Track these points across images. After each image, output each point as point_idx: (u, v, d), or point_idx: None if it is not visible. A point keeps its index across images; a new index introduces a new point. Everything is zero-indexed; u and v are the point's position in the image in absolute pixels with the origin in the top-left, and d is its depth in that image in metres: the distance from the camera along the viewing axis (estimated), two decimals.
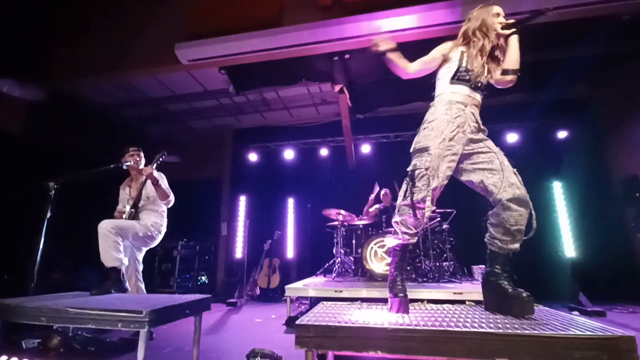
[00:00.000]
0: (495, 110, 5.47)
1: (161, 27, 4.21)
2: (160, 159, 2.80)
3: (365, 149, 6.14)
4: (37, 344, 2.29)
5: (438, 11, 3.26)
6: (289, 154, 6.46)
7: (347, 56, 4.02)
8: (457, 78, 1.71)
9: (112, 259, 2.34)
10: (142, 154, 2.93)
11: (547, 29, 3.59)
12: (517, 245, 1.56)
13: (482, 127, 1.70)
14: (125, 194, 2.88)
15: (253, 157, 6.61)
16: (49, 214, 2.45)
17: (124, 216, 2.70)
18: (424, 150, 1.62)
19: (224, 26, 3.79)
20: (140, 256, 2.77)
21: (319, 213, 4.69)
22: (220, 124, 6.75)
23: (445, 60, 1.79)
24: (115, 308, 1.51)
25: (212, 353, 2.36)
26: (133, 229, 2.56)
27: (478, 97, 1.73)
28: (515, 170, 1.60)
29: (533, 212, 1.57)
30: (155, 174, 2.66)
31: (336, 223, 4.38)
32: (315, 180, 6.41)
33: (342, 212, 4.36)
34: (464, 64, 1.71)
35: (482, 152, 1.63)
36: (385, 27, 3.43)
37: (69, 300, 1.82)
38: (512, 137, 5.56)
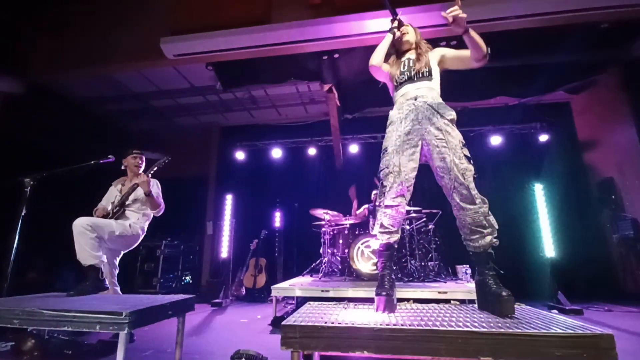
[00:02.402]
0: (480, 114, 5.60)
1: (146, 20, 4.11)
2: (161, 166, 2.78)
3: (353, 149, 6.16)
4: (9, 347, 2.21)
5: (431, 12, 3.24)
6: (276, 153, 6.41)
7: (336, 55, 4.02)
8: (398, 83, 1.88)
9: (90, 257, 2.26)
10: (144, 157, 2.91)
11: (529, 35, 3.70)
12: (487, 241, 1.53)
13: (443, 109, 1.69)
14: (116, 190, 2.82)
15: (240, 155, 6.52)
16: (24, 211, 2.36)
17: (106, 213, 2.63)
18: (384, 151, 1.75)
19: (212, 21, 3.73)
20: (117, 260, 2.70)
21: (306, 212, 4.67)
22: (206, 121, 6.64)
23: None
24: (93, 309, 1.46)
25: (196, 355, 2.31)
26: (109, 227, 2.47)
27: (425, 82, 1.79)
28: (465, 166, 1.57)
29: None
30: (151, 182, 2.65)
31: (323, 223, 4.38)
32: (303, 179, 6.39)
33: (329, 212, 4.36)
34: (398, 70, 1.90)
35: (438, 147, 1.63)
36: (375, 27, 3.44)
37: (43, 302, 1.74)
38: (495, 140, 5.68)
